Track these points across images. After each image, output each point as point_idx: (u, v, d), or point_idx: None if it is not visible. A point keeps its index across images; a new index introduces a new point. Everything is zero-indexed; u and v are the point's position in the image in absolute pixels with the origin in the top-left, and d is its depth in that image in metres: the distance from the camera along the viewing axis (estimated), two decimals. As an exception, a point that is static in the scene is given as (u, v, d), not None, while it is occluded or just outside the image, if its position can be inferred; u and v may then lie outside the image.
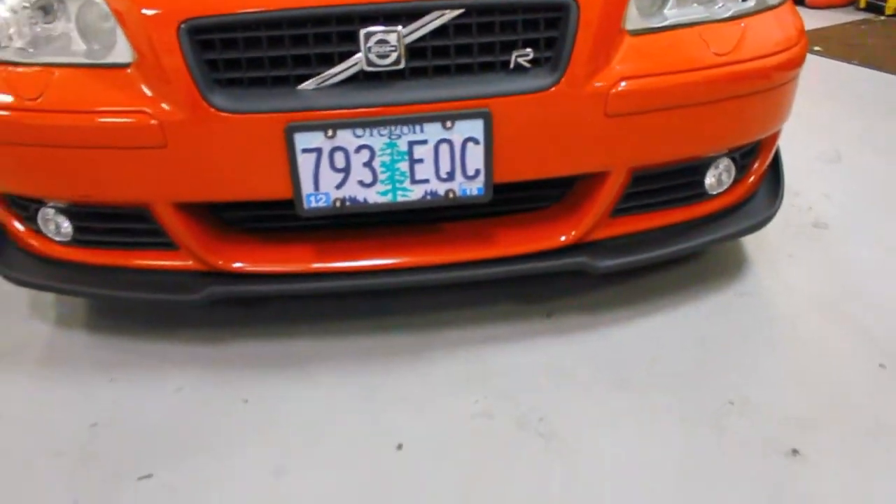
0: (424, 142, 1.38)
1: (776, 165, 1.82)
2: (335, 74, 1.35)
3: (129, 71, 1.39)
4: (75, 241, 1.61)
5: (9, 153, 1.45)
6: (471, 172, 1.41)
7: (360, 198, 1.42)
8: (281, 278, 1.54)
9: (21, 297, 1.89)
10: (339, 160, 1.38)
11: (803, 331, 1.66)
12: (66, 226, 1.59)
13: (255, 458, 1.40)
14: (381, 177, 1.40)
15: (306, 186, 1.40)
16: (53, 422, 1.51)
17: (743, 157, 1.68)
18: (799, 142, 2.36)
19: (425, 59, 1.36)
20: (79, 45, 1.44)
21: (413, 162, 1.39)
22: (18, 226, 1.63)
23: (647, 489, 1.30)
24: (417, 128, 1.36)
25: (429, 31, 1.33)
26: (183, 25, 1.32)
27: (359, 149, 1.37)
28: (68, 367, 1.65)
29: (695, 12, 1.51)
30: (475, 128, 1.37)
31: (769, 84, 1.54)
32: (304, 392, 1.55)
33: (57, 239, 1.61)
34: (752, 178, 1.70)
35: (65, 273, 1.62)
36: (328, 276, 1.54)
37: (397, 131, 1.36)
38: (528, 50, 1.38)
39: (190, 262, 1.56)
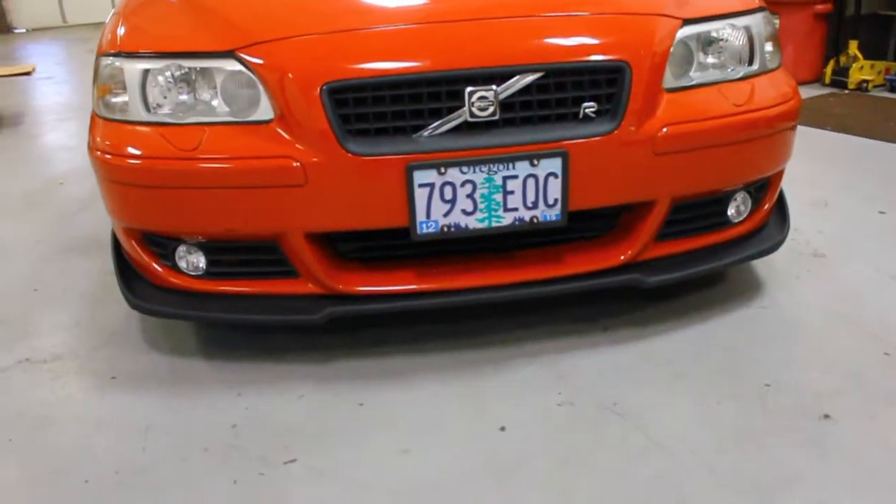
0: (515, 177, 1.77)
1: (781, 202, 2.25)
2: (445, 124, 1.75)
3: (271, 125, 1.78)
4: (207, 274, 1.94)
5: (167, 196, 1.80)
6: (551, 201, 1.80)
7: (463, 224, 1.80)
8: (389, 298, 1.89)
9: (133, 333, 2.20)
10: (448, 193, 1.76)
11: (817, 332, 2.05)
12: (200, 260, 1.93)
13: (381, 444, 1.71)
14: (480, 206, 1.78)
15: (420, 215, 1.77)
16: (196, 427, 1.80)
17: (756, 191, 2.10)
18: (791, 192, 2.79)
19: (514, 112, 1.77)
20: (222, 107, 1.82)
21: (506, 194, 1.78)
22: (154, 264, 1.96)
23: (713, 447, 1.64)
24: (511, 165, 1.76)
25: (518, 90, 1.75)
26: (324, 87, 1.71)
27: (464, 183, 1.76)
28: (197, 386, 1.96)
29: (712, 75, 1.96)
30: (555, 164, 1.77)
31: (775, 129, 1.98)
32: (411, 395, 1.87)
33: (191, 273, 1.95)
34: (764, 209, 2.12)
35: (197, 302, 1.94)
36: (429, 294, 1.90)
37: (495, 168, 1.75)
38: (593, 103, 1.80)
39: (309, 287, 1.90)
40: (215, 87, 1.82)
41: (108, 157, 1.86)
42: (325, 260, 1.88)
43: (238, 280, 1.94)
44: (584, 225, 1.98)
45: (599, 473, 1.59)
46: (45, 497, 1.61)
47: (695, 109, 1.87)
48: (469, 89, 1.73)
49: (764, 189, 2.11)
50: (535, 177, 1.77)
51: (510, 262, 1.94)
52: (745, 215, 2.10)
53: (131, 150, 1.82)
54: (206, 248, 1.92)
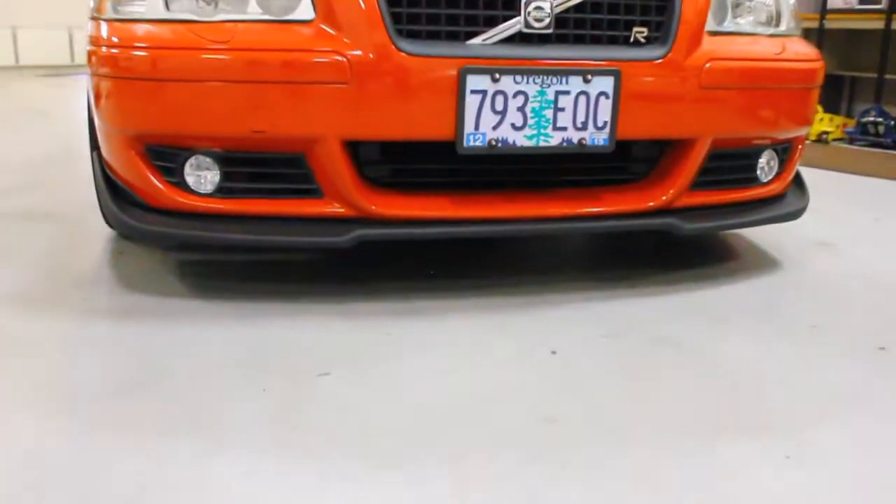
0: (568, 92, 1.85)
1: (798, 176, 2.42)
2: (500, 32, 1.83)
3: (313, 24, 1.81)
4: (219, 191, 1.90)
5: (190, 90, 1.78)
6: (600, 123, 1.89)
7: (511, 140, 1.85)
8: (421, 224, 1.90)
9: (106, 278, 2.11)
10: (499, 103, 1.82)
11: (849, 290, 2.18)
12: (212, 175, 1.89)
13: (422, 363, 1.68)
14: (530, 121, 1.85)
15: (468, 126, 1.82)
16: (205, 348, 1.72)
17: (781, 153, 2.26)
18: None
19: (567, 28, 1.88)
20: (254, 7, 1.85)
21: (557, 110, 1.86)
22: (157, 181, 1.91)
23: (782, 370, 1.70)
24: (564, 79, 1.84)
25: (573, 5, 1.86)
26: (380, -19, 1.78)
27: (516, 94, 1.82)
28: (197, 317, 1.88)
29: (745, 28, 2.14)
30: (607, 84, 1.87)
31: (805, 84, 2.17)
32: (443, 326, 1.86)
33: (200, 191, 1.90)
34: (788, 172, 2.28)
35: (206, 224, 1.89)
36: (464, 222, 1.92)
37: (548, 81, 1.83)
38: (644, 29, 1.92)
39: (334, 208, 1.89)
40: None
41: (117, 51, 1.83)
42: (357, 178, 1.88)
43: (253, 199, 1.91)
44: (624, 166, 2.06)
45: (676, 383, 1.61)
46: (40, 411, 1.49)
47: (736, 50, 2.04)
48: (526, -1, 1.83)
49: (788, 152, 2.28)
50: (587, 95, 1.86)
51: (548, 196, 2.00)
52: (771, 176, 2.25)
53: (149, 43, 1.81)
54: (222, 159, 1.88)
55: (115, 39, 1.86)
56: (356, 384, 1.59)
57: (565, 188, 2.05)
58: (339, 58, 1.76)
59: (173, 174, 1.91)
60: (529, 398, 1.54)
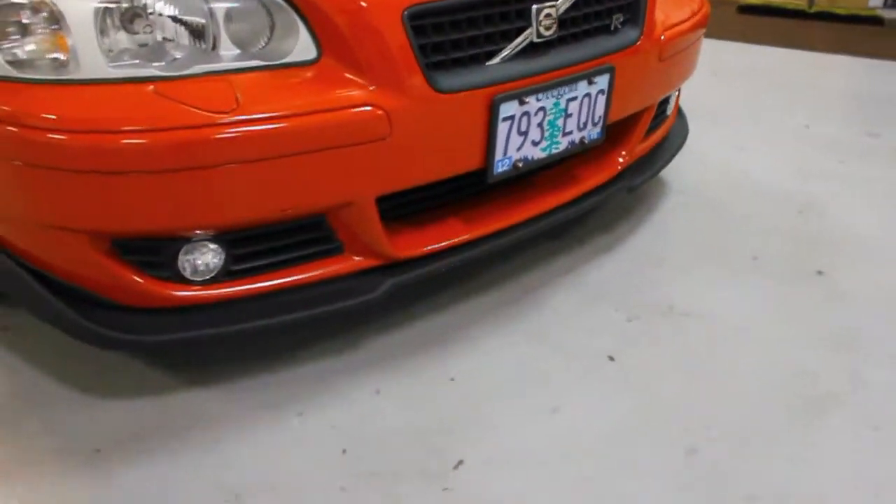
0: (576, 98, 1.74)
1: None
2: (516, 47, 1.62)
3: (318, 66, 1.45)
4: (226, 275, 1.53)
5: (193, 179, 1.35)
6: (596, 119, 1.82)
7: (530, 156, 1.72)
8: (444, 254, 1.72)
9: (82, 390, 1.64)
10: (524, 124, 1.66)
11: (740, 206, 2.45)
12: (214, 259, 1.51)
13: (521, 410, 1.61)
14: (546, 134, 1.72)
15: (498, 153, 1.64)
16: (300, 470, 1.48)
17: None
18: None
19: (566, 29, 1.72)
20: (230, 49, 1.42)
21: (566, 117, 1.74)
22: (138, 278, 1.47)
23: (769, 321, 1.90)
24: (573, 86, 1.72)
25: (570, 4, 1.69)
26: (406, 12, 1.45)
27: (537, 111, 1.67)
28: (236, 421, 1.58)
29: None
30: (605, 81, 1.78)
31: (706, 27, 2.23)
32: (489, 352, 1.77)
33: (199, 279, 1.51)
34: (678, 97, 2.40)
35: (213, 315, 1.53)
36: (480, 241, 1.77)
37: (562, 91, 1.70)
38: (620, 14, 1.82)
39: (356, 262, 1.63)
40: (216, 21, 1.40)
41: (64, 135, 1.30)
42: (383, 226, 1.62)
43: (264, 274, 1.57)
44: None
45: (725, 371, 1.74)
46: None
47: (672, 14, 2.03)
48: (537, 6, 1.63)
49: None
50: (590, 96, 1.77)
51: (540, 189, 1.91)
52: (670, 108, 2.35)
53: (100, 126, 1.31)
54: (228, 240, 1.50)
55: (40, 114, 1.31)
56: (496, 465, 1.48)
57: (539, 174, 1.97)
58: (377, 111, 1.45)
59: (161, 268, 1.49)
60: (643, 432, 1.58)
